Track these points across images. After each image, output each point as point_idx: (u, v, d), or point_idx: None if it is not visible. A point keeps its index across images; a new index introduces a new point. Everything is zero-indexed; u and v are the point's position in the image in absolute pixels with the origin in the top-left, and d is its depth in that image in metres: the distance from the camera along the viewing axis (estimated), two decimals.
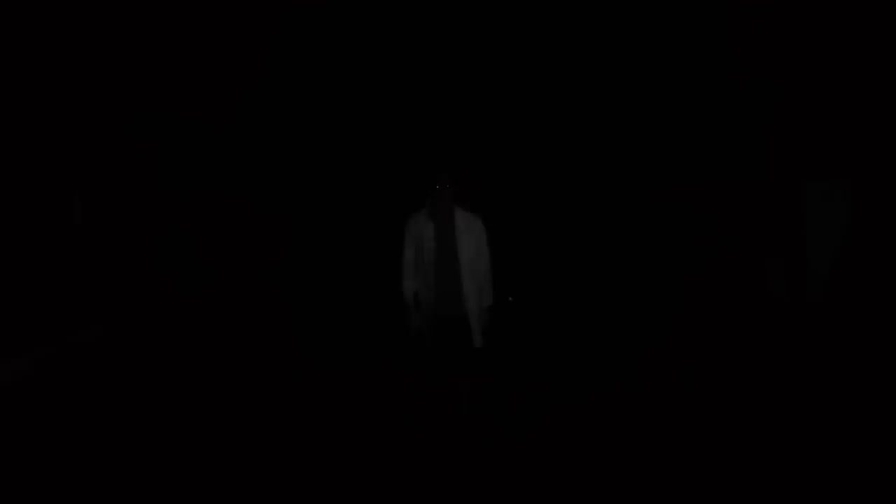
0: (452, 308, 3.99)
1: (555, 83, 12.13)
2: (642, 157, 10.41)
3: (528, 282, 9.75)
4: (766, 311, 7.21)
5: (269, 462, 3.91)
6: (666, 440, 4.05)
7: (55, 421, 4.65)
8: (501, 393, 5.02)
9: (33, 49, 6.65)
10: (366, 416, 4.61)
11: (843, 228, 6.64)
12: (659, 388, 5.03)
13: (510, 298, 7.33)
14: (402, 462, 3.86)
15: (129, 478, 3.73)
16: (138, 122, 8.65)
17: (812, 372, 5.33)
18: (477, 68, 12.53)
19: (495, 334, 4.42)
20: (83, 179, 7.37)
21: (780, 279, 7.28)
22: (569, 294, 9.32)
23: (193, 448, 4.14)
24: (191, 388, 5.41)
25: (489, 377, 5.03)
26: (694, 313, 7.66)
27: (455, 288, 3.97)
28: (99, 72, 7.74)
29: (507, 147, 13.16)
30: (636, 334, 6.79)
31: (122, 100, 8.25)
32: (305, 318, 8.34)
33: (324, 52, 12.66)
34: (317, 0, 11.33)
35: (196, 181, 10.17)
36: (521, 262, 9.90)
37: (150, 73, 8.83)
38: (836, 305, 6.51)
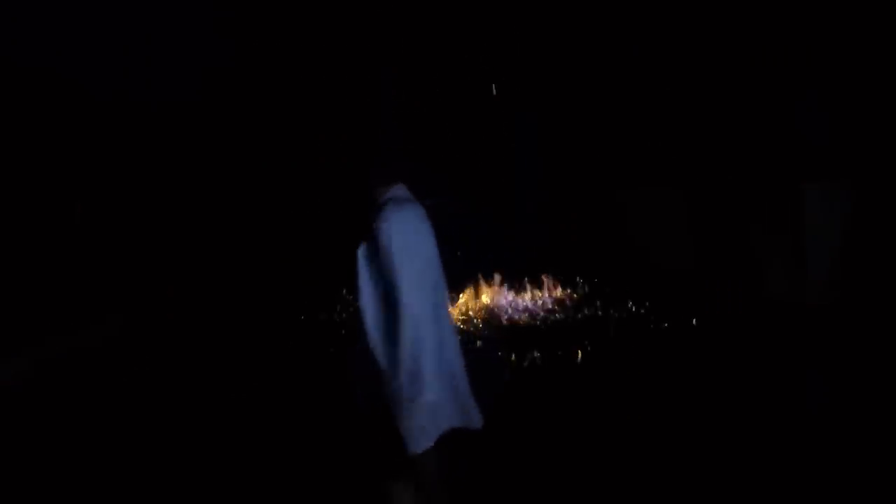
0: (369, 391, 2.38)
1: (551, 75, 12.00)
2: (641, 156, 10.41)
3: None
4: (766, 311, 7.22)
5: (273, 462, 3.94)
6: (666, 443, 4.07)
7: (68, 415, 4.68)
8: None
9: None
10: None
11: (843, 229, 6.66)
12: (659, 390, 5.05)
13: None
14: None
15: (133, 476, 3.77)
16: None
17: (812, 372, 5.35)
18: None
19: None
20: (84, 185, 7.42)
21: (780, 279, 7.29)
22: (569, 294, 9.33)
23: (198, 447, 4.16)
24: (196, 385, 5.43)
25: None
26: (693, 313, 7.66)
27: (367, 360, 2.34)
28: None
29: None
30: (635, 337, 6.81)
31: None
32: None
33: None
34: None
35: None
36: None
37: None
38: (835, 306, 6.53)
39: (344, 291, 8.45)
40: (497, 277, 8.86)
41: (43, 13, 8.03)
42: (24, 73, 7.70)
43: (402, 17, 11.42)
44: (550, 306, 8.24)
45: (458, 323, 7.36)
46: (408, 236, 2.32)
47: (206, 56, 9.99)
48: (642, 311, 7.82)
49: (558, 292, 8.85)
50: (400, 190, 2.47)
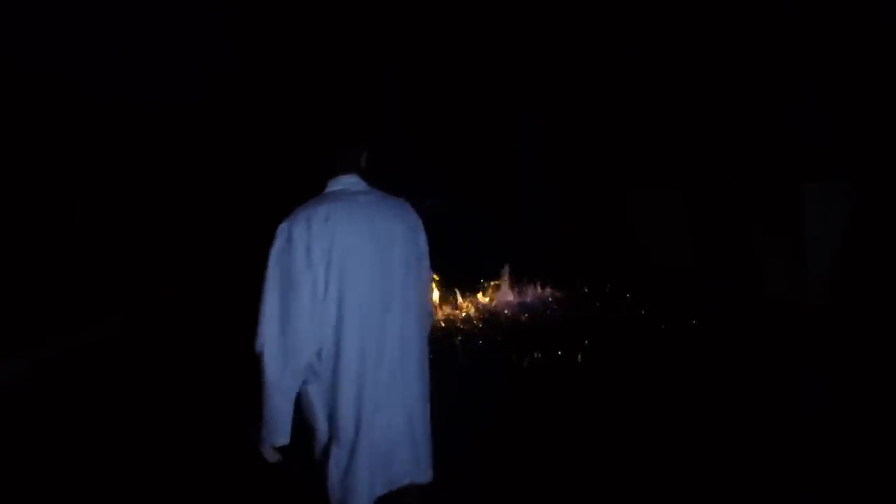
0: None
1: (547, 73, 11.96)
2: (642, 156, 10.41)
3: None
4: (766, 311, 7.22)
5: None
6: (666, 443, 4.07)
7: (67, 415, 4.68)
8: None
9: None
10: None
11: (843, 229, 6.66)
12: (659, 391, 5.05)
13: None
14: None
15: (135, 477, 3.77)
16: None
17: (812, 372, 5.35)
18: None
19: None
20: (84, 185, 7.43)
21: (780, 279, 7.30)
22: (569, 295, 9.33)
23: (201, 448, 4.16)
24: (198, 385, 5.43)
25: None
26: (693, 313, 7.67)
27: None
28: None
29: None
30: (635, 337, 6.81)
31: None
32: None
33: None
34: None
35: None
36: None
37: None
38: (835, 306, 6.53)
39: None
40: (497, 277, 8.87)
41: (43, 13, 8.04)
42: (24, 73, 7.71)
43: (402, 17, 11.40)
44: (551, 306, 8.24)
45: (459, 323, 7.37)
46: (289, 245, 1.91)
47: (206, 56, 9.98)
48: (642, 311, 7.83)
49: (558, 292, 8.86)
50: (344, 182, 2.04)
